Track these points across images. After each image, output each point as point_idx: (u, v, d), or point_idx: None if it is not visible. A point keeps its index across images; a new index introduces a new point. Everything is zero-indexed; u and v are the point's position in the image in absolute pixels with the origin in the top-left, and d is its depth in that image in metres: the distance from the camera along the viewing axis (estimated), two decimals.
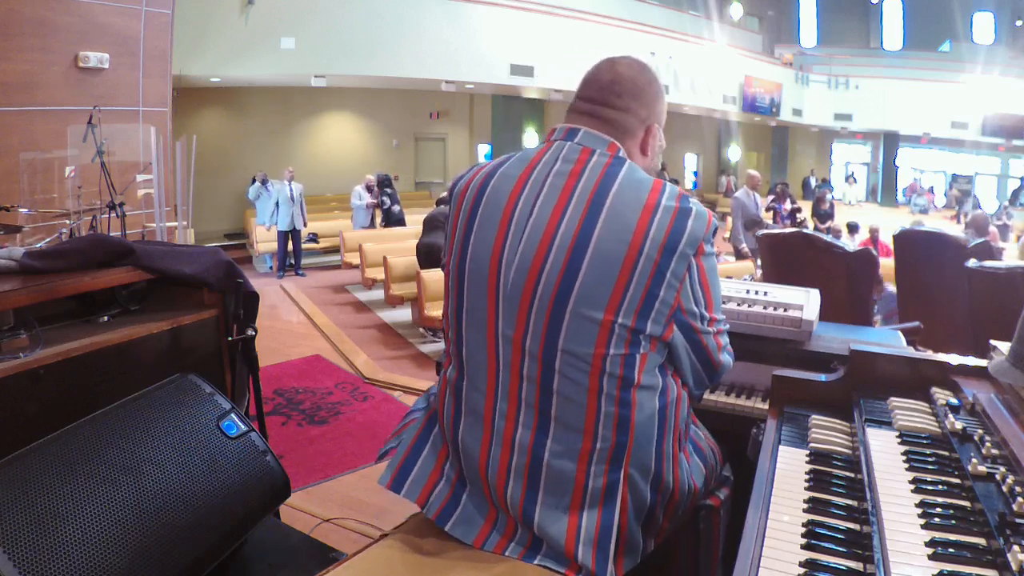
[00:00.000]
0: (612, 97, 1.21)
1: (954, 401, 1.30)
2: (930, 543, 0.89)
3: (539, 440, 1.13)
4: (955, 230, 7.65)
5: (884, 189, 19.47)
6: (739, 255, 7.69)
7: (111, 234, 4.46)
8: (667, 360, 1.19)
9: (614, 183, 1.12)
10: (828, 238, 4.25)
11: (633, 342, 1.10)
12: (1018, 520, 0.88)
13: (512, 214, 1.15)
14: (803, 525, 1.01)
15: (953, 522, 0.94)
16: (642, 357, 1.12)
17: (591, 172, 1.14)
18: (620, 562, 1.14)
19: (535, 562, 1.14)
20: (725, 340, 1.25)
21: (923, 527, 0.94)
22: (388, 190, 9.41)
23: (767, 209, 9.07)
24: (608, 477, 1.13)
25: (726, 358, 1.25)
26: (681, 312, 1.13)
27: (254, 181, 9.43)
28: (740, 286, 2.03)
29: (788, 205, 9.49)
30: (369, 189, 9.55)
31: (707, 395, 1.85)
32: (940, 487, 1.04)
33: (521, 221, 1.14)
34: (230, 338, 2.07)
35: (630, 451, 1.13)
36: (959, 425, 1.18)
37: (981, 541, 0.90)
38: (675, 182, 13.50)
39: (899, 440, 1.20)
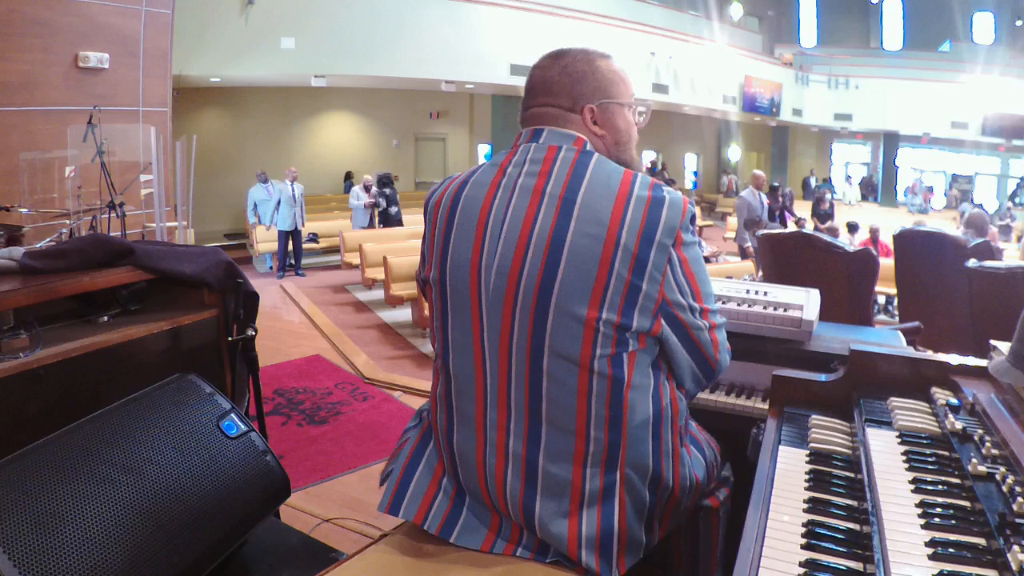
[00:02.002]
0: (528, 99, 1.25)
1: (954, 401, 1.30)
2: (930, 543, 0.89)
3: (532, 447, 1.13)
4: (955, 230, 7.64)
5: (884, 189, 19.46)
6: (744, 254, 7.70)
7: (111, 234, 4.46)
8: (662, 358, 1.17)
9: (584, 178, 1.12)
10: (828, 238, 4.24)
11: (620, 341, 1.09)
12: (1018, 520, 0.88)
13: (487, 221, 1.15)
14: (803, 525, 1.01)
15: (953, 522, 0.94)
16: (630, 356, 1.11)
17: (560, 169, 1.14)
18: (622, 560, 1.14)
19: (547, 562, 1.15)
20: (722, 337, 1.21)
21: (923, 527, 0.94)
22: (386, 190, 9.38)
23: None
24: (604, 479, 1.12)
25: (724, 356, 1.22)
26: (667, 305, 1.11)
27: (256, 193, 9.14)
28: (740, 286, 2.02)
29: (780, 202, 9.49)
30: (367, 189, 9.54)
31: (707, 395, 1.85)
32: (940, 487, 1.04)
33: (496, 227, 1.14)
34: (230, 338, 2.07)
35: (624, 452, 1.12)
36: (959, 425, 1.18)
37: (981, 541, 0.90)
38: (671, 182, 13.50)
39: (899, 440, 1.20)
